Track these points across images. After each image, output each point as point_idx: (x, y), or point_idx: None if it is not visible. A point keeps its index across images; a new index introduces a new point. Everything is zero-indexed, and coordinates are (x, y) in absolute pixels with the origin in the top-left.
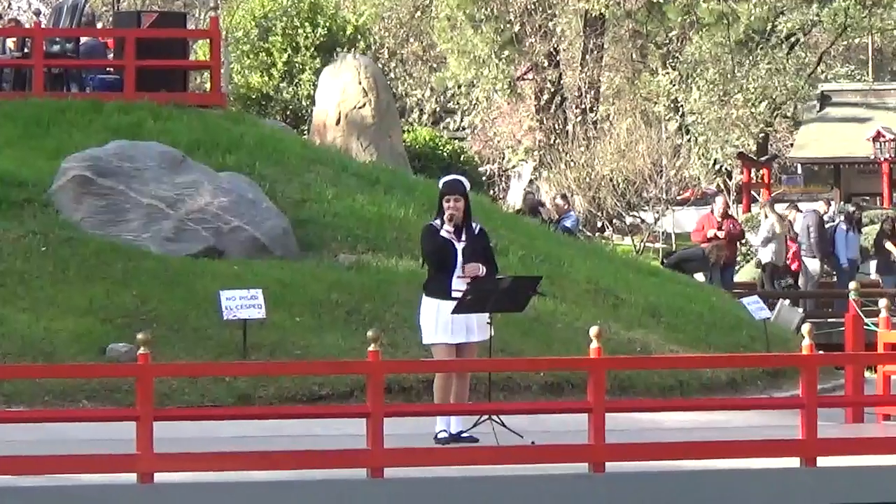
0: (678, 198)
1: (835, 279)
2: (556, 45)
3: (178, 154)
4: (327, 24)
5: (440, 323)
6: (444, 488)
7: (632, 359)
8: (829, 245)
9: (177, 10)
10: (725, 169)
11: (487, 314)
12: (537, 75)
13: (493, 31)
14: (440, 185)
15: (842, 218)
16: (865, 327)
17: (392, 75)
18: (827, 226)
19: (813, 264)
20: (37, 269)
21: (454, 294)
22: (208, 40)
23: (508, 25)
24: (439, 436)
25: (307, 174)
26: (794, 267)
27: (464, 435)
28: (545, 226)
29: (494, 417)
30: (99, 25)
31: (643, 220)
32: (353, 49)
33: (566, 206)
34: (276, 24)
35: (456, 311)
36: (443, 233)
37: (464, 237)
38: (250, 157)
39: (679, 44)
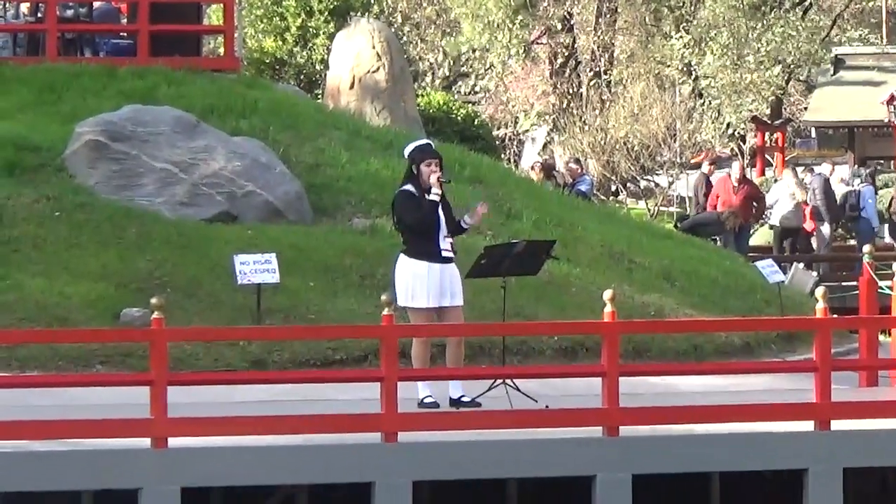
0: (692, 161)
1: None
2: (569, 9)
3: (191, 119)
4: None
5: (430, 286)
6: (457, 452)
7: (646, 323)
8: (838, 208)
9: None
10: (739, 133)
11: (462, 278)
12: (551, 39)
13: None
14: (410, 150)
15: (861, 180)
16: (880, 291)
17: (405, 39)
18: (848, 189)
19: (823, 228)
20: (51, 233)
21: (444, 254)
22: (222, 4)
23: None
24: (425, 401)
25: (321, 138)
26: (811, 228)
27: (464, 399)
28: (559, 190)
29: (508, 381)
30: None
31: (657, 184)
32: (366, 13)
33: (580, 170)
34: None
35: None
36: (432, 197)
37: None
38: (264, 122)
39: (692, 7)
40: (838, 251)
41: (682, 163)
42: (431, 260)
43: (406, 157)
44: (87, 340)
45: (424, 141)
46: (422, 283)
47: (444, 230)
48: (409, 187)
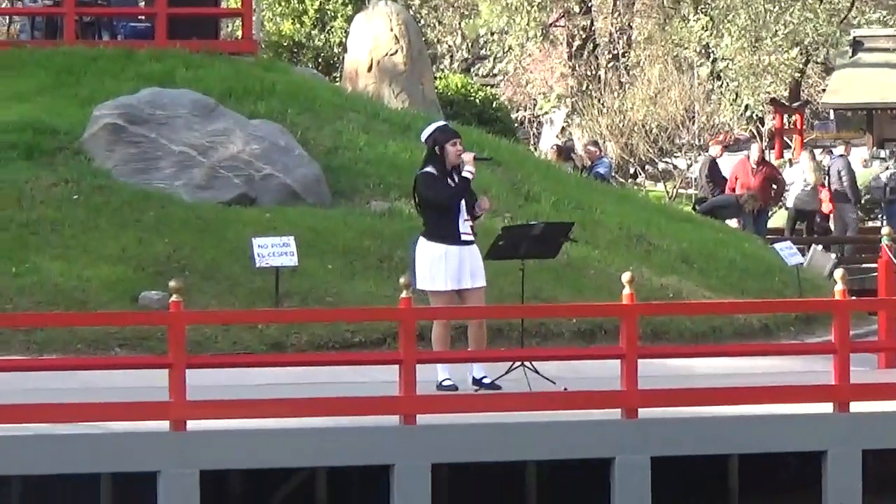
0: (710, 143)
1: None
2: None
3: (209, 102)
4: None
5: (449, 269)
6: (476, 435)
7: (664, 305)
8: (858, 190)
9: None
10: (757, 115)
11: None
12: (569, 22)
13: None
14: (431, 132)
15: (889, 163)
16: None
17: (423, 22)
18: (890, 171)
19: (848, 210)
20: (69, 217)
21: (464, 237)
22: None
23: None
24: (444, 383)
25: (339, 121)
26: (828, 210)
27: (485, 381)
28: (577, 172)
29: (527, 364)
30: None
31: (676, 167)
32: None
33: (598, 153)
34: None
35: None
36: (465, 173)
37: (457, 180)
38: (282, 105)
39: None
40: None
41: (700, 145)
42: (451, 242)
43: (426, 139)
44: (106, 323)
45: (442, 122)
46: (440, 266)
47: (464, 213)
48: (430, 169)
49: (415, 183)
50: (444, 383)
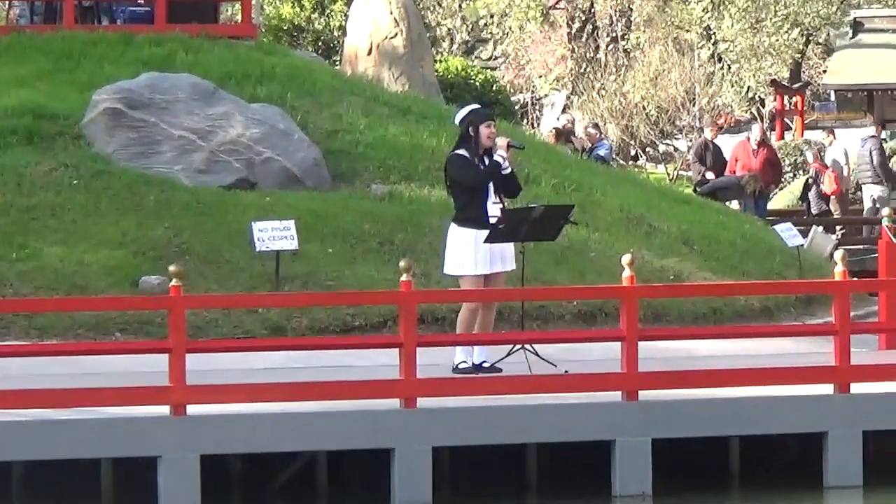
0: (704, 126)
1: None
2: None
3: (209, 86)
4: None
5: (478, 253)
6: (477, 418)
7: (665, 287)
8: (890, 170)
9: None
10: (758, 96)
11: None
12: (569, 4)
13: None
14: (465, 114)
15: None
16: None
17: (423, 5)
18: None
19: (877, 190)
20: (69, 201)
21: (492, 221)
22: None
23: None
24: (460, 366)
25: (339, 105)
26: (830, 192)
27: (485, 365)
28: (578, 154)
29: (527, 346)
30: None
31: (676, 148)
32: None
33: (598, 135)
34: None
35: (489, 239)
36: (497, 157)
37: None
38: (282, 89)
39: None
40: (856, 214)
41: (701, 127)
42: (479, 227)
43: (459, 121)
44: (106, 308)
45: (476, 105)
46: (470, 251)
47: (492, 196)
48: (461, 151)
49: (445, 164)
50: (461, 366)
